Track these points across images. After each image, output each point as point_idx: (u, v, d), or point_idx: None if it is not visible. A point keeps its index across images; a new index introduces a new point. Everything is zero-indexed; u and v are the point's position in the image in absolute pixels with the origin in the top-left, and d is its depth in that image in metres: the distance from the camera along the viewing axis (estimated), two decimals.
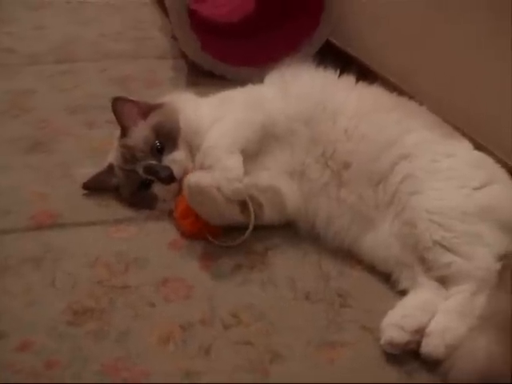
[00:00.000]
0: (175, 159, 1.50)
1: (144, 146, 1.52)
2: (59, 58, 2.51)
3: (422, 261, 1.30)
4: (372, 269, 1.38)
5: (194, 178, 1.38)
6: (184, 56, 2.45)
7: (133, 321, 1.23)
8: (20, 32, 2.82)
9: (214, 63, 2.35)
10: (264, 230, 1.49)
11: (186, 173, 1.49)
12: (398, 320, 1.19)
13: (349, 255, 1.42)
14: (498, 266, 1.25)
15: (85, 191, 1.60)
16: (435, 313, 1.21)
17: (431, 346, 1.15)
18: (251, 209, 1.43)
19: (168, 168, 1.49)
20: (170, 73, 2.43)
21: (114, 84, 2.27)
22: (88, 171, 1.62)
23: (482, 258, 1.26)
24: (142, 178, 1.52)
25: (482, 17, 1.71)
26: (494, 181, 1.39)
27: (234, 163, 1.41)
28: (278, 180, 1.51)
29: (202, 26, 2.41)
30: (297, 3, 2.49)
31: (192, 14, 2.33)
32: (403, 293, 1.31)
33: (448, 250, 1.27)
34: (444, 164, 1.40)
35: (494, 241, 1.28)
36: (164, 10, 2.85)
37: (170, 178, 1.48)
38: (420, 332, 1.18)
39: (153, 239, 1.46)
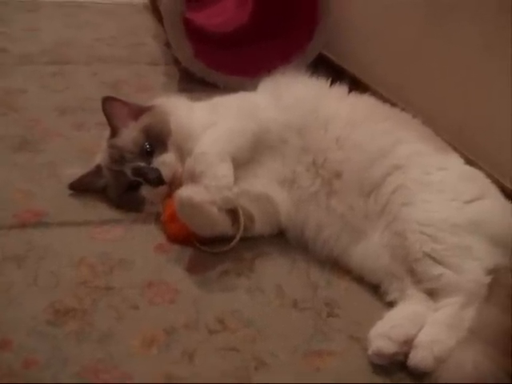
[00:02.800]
0: (164, 161, 1.48)
1: (133, 147, 1.50)
2: (51, 60, 2.49)
3: (412, 272, 1.28)
4: (360, 279, 1.37)
5: (187, 193, 1.34)
6: (176, 63, 2.45)
7: (115, 323, 1.20)
8: (13, 33, 2.80)
9: (206, 71, 2.35)
10: (253, 237, 1.47)
11: (175, 176, 1.47)
12: (386, 330, 1.17)
13: (337, 265, 1.40)
14: (487, 279, 1.24)
15: (71, 191, 1.57)
16: (424, 325, 1.19)
17: (419, 357, 1.13)
18: (241, 216, 1.41)
19: (157, 170, 1.47)
20: (162, 78, 2.43)
21: (106, 87, 2.25)
22: (75, 172, 1.60)
23: (472, 271, 1.24)
24: (130, 180, 1.49)
25: (474, 32, 1.72)
26: (485, 195, 1.38)
27: (225, 171, 1.39)
28: (269, 188, 1.49)
29: (196, 34, 2.40)
30: (291, 16, 2.50)
31: (186, 22, 2.33)
32: (391, 304, 1.29)
33: (438, 262, 1.26)
34: (436, 176, 1.39)
35: (483, 254, 1.27)
36: (159, 17, 2.85)
37: (158, 181, 1.46)
38: (408, 343, 1.16)
39: (139, 242, 1.43)
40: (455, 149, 1.57)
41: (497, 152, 1.64)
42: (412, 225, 1.31)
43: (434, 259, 1.26)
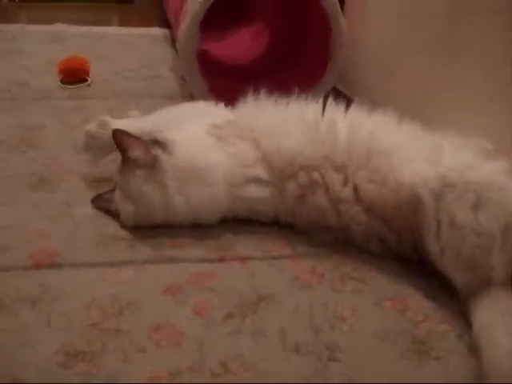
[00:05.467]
0: None
1: None
2: (70, 95, 2.57)
3: None
4: (363, 323, 1.40)
5: None
6: (192, 96, 2.50)
7: (122, 365, 1.24)
8: (34, 65, 2.89)
9: None
10: (259, 278, 1.52)
11: None
12: None
13: (341, 307, 1.44)
14: None
15: (85, 232, 1.64)
16: None
17: None
18: None
19: None
20: None
21: None
22: (89, 211, 1.68)
23: None
24: None
25: (481, 79, 1.75)
26: None
27: None
28: None
29: (211, 69, 2.47)
30: (305, 51, 2.55)
31: (202, 56, 2.39)
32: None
33: None
34: None
35: None
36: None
37: None
38: None
39: (148, 284, 1.48)
40: None
41: None
42: None
43: None
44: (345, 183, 1.62)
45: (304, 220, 1.68)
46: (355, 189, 1.60)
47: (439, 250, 1.46)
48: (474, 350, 1.33)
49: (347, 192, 1.61)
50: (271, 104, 1.80)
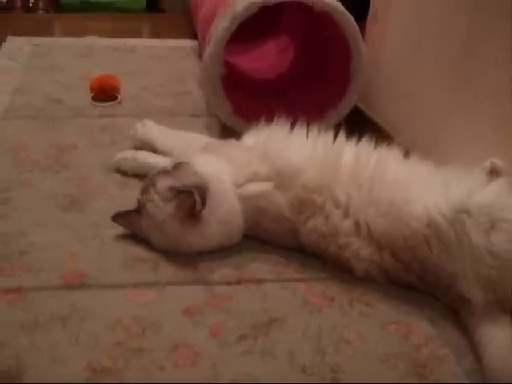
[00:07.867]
0: None
1: None
2: (101, 113, 2.68)
3: None
4: (368, 347, 1.50)
5: None
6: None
7: (144, 382, 1.36)
8: (68, 81, 3.01)
9: (244, 126, 2.49)
10: (272, 301, 1.63)
11: None
12: None
13: (348, 330, 1.54)
14: None
15: (112, 253, 1.76)
16: None
17: None
18: None
19: None
20: (204, 131, 2.56)
21: None
22: (117, 232, 1.81)
23: None
24: None
25: (489, 110, 1.83)
26: None
27: None
28: None
29: (237, 86, 2.56)
30: (326, 72, 2.64)
31: (229, 72, 2.47)
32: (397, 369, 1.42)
33: None
34: None
35: None
36: None
37: None
38: None
39: (169, 305, 1.59)
40: None
41: None
42: None
43: None
44: (345, 217, 1.71)
45: (307, 241, 1.78)
46: (358, 223, 1.69)
47: (455, 272, 1.55)
48: (472, 373, 1.44)
49: (347, 226, 1.70)
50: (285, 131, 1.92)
